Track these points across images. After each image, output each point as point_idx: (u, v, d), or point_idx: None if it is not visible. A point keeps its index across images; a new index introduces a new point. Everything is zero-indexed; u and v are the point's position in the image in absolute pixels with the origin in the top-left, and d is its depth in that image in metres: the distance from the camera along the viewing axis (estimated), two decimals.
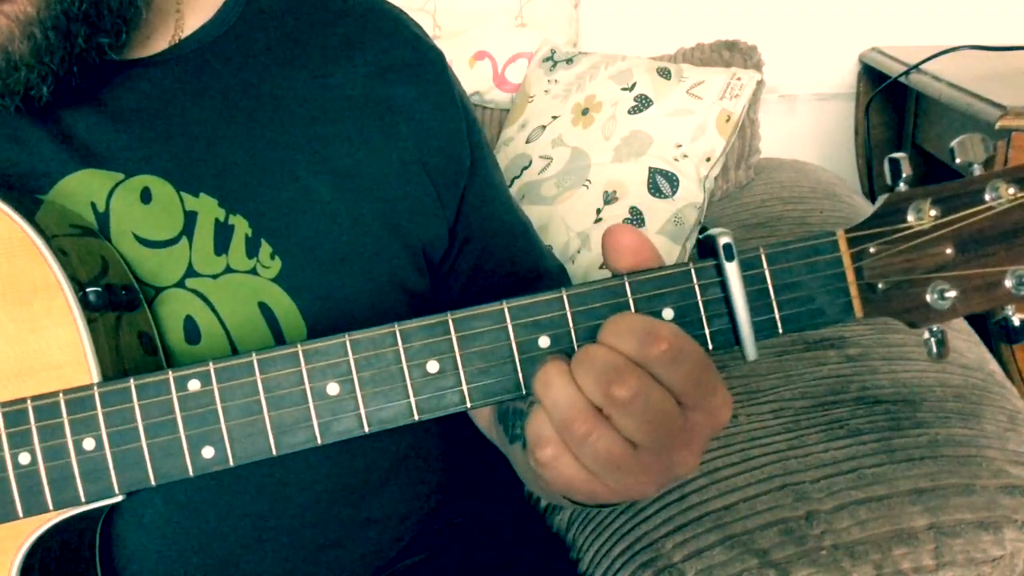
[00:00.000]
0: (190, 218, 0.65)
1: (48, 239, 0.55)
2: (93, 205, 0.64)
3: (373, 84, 0.71)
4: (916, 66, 1.48)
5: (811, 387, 0.87)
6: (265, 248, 0.66)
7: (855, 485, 0.73)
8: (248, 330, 0.64)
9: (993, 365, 0.92)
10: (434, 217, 0.73)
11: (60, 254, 0.54)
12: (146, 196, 0.65)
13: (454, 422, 0.82)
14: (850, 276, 0.49)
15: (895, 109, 1.68)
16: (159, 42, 0.69)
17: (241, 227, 0.65)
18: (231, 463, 0.50)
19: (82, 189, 0.64)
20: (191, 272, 0.64)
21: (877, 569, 0.68)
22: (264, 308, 0.65)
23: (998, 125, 1.17)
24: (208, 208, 0.65)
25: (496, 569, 0.77)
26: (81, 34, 0.60)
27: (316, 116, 0.69)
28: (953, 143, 0.50)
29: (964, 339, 0.95)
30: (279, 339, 0.65)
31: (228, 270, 0.65)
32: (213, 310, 0.64)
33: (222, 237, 0.65)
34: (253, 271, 0.65)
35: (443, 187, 0.73)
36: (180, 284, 0.64)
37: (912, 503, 0.70)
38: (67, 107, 0.65)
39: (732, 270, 0.48)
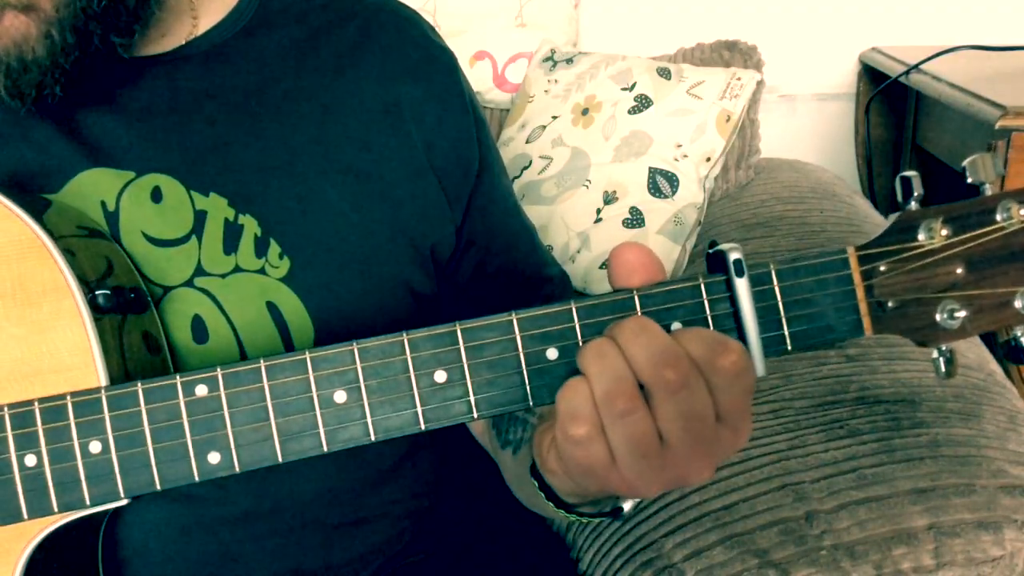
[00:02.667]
0: (200, 217, 0.65)
1: (56, 240, 0.55)
2: (103, 204, 0.64)
3: (383, 85, 0.71)
4: (916, 66, 1.48)
5: (811, 387, 0.87)
6: (274, 248, 0.66)
7: (855, 485, 0.73)
8: (256, 330, 0.65)
9: (993, 365, 0.92)
10: (442, 219, 0.73)
11: (68, 255, 0.54)
12: (156, 195, 0.65)
13: (456, 425, 0.82)
14: (860, 294, 0.49)
15: (895, 109, 1.69)
16: (172, 40, 0.69)
17: (250, 227, 0.65)
18: (237, 469, 0.50)
19: (93, 187, 0.64)
20: (200, 271, 0.64)
21: (877, 569, 0.68)
22: (272, 308, 0.65)
23: (998, 125, 1.17)
24: (218, 207, 0.65)
25: (496, 569, 0.77)
26: (97, 33, 0.60)
27: (326, 117, 0.69)
28: (965, 163, 0.50)
29: (964, 340, 0.95)
30: (286, 339, 0.65)
31: (237, 269, 0.65)
32: (221, 309, 0.64)
33: (231, 236, 0.65)
34: (262, 271, 0.65)
35: (451, 189, 0.73)
36: (189, 283, 0.64)
37: (912, 503, 0.71)
38: (79, 104, 0.65)
39: (742, 286, 0.49)
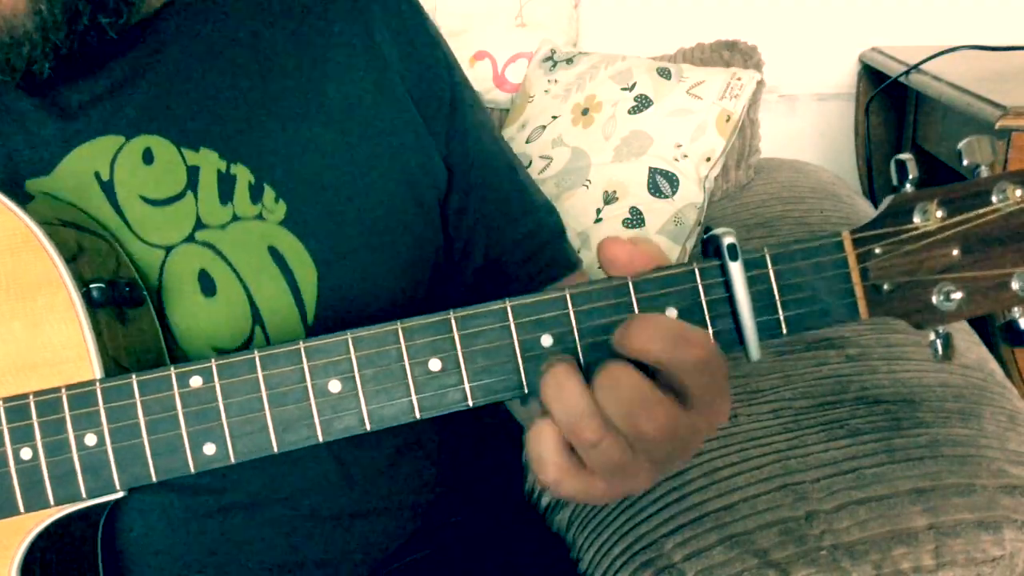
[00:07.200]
0: (193, 172, 0.66)
1: (48, 232, 0.55)
2: (97, 175, 0.65)
3: (357, 23, 0.72)
4: (916, 66, 1.48)
5: (811, 387, 0.87)
6: (268, 193, 0.66)
7: (855, 485, 0.73)
8: (261, 276, 0.65)
9: (993, 365, 0.92)
10: (426, 147, 0.73)
11: (62, 247, 0.54)
12: (148, 157, 0.65)
13: (455, 420, 0.82)
14: (855, 277, 0.49)
15: (895, 109, 1.69)
16: (150, 3, 0.69)
17: (243, 175, 0.66)
18: (232, 460, 0.50)
19: (85, 162, 0.65)
20: (199, 225, 0.65)
21: (877, 569, 0.68)
22: (274, 252, 0.66)
23: (998, 125, 1.17)
24: (209, 161, 0.66)
25: (496, 569, 0.77)
26: (87, 13, 0.61)
27: (304, 59, 0.70)
28: (960, 144, 0.49)
29: (964, 339, 0.95)
30: (291, 283, 0.66)
31: (235, 218, 0.65)
32: (225, 260, 0.65)
33: (225, 187, 0.66)
34: (259, 216, 0.66)
35: (430, 118, 0.74)
36: (190, 239, 0.65)
37: (912, 503, 0.70)
38: (63, 80, 0.65)
39: (736, 270, 0.48)
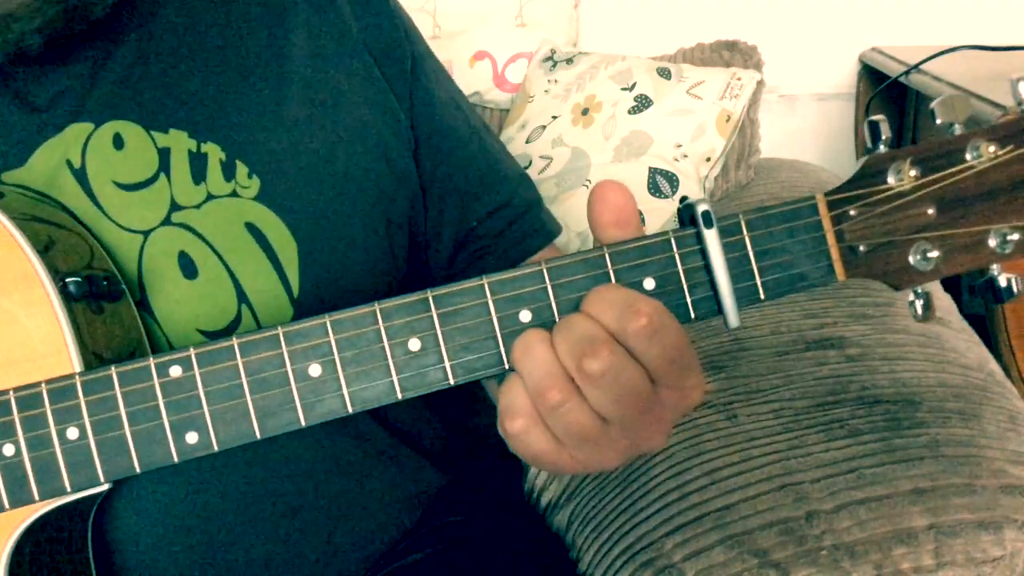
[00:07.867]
0: (164, 155, 0.66)
1: (22, 228, 0.54)
2: (69, 163, 0.64)
3: None
4: (916, 66, 1.48)
5: (811, 387, 0.86)
6: (241, 169, 0.66)
7: (855, 485, 0.73)
8: (241, 253, 0.65)
9: (993, 365, 0.92)
10: (394, 112, 0.74)
11: (35, 240, 0.54)
12: (118, 142, 0.65)
13: (453, 416, 0.82)
14: (831, 239, 0.49)
15: (895, 109, 1.69)
16: None
17: (215, 154, 0.66)
18: (215, 448, 0.50)
19: (57, 151, 0.65)
20: (175, 207, 0.65)
21: (877, 569, 0.68)
22: (251, 228, 0.66)
23: None
24: (179, 142, 0.66)
25: (496, 569, 0.77)
26: None
27: (267, 30, 0.70)
28: (934, 103, 0.49)
29: (964, 339, 0.95)
30: (272, 257, 0.66)
31: (209, 197, 0.65)
32: (203, 240, 0.65)
33: (198, 166, 0.66)
34: (233, 194, 0.66)
35: (395, 84, 0.74)
36: (167, 221, 0.64)
37: (912, 503, 0.70)
38: (26, 69, 0.65)
39: (711, 237, 0.48)
